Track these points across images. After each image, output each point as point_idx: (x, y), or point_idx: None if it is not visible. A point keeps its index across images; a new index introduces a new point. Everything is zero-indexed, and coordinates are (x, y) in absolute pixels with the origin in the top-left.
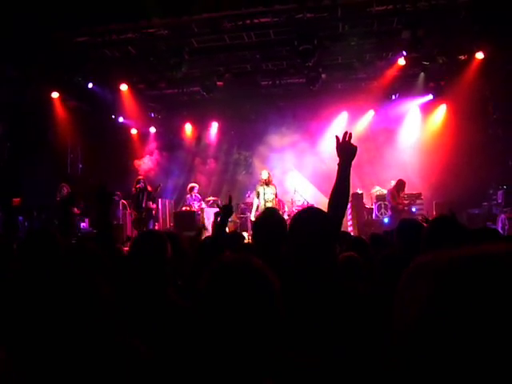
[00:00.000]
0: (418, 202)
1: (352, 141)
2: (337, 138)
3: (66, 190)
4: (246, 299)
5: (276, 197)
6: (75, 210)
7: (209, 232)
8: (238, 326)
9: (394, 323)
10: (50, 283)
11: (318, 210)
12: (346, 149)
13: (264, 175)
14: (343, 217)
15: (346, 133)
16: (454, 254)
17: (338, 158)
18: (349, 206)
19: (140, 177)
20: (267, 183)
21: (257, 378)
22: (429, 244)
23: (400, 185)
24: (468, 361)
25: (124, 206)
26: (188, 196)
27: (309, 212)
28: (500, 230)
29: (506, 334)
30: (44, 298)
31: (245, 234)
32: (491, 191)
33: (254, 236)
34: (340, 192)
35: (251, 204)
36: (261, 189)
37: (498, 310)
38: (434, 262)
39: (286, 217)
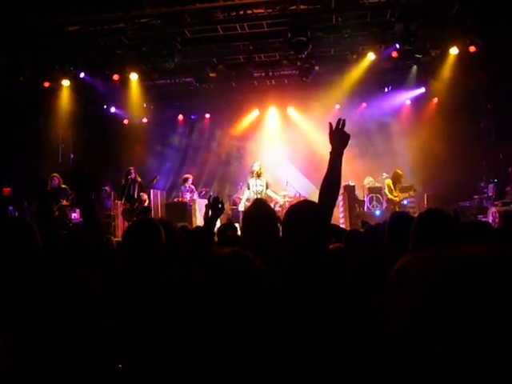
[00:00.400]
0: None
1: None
2: (330, 124)
3: (57, 180)
4: (239, 292)
5: (267, 188)
6: (64, 201)
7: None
8: (231, 316)
9: (379, 326)
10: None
11: (312, 203)
12: (338, 136)
13: (255, 167)
14: (334, 207)
15: (339, 120)
16: (442, 256)
17: (329, 148)
18: (340, 198)
19: (131, 167)
20: (258, 175)
21: (255, 370)
22: (418, 238)
23: (396, 177)
24: (457, 369)
25: (115, 197)
26: (182, 187)
27: (302, 205)
28: (491, 223)
29: (496, 337)
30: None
31: (237, 225)
32: (482, 184)
33: (243, 227)
34: (331, 181)
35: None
36: (251, 180)
37: (486, 315)
38: (421, 265)
39: (277, 208)
